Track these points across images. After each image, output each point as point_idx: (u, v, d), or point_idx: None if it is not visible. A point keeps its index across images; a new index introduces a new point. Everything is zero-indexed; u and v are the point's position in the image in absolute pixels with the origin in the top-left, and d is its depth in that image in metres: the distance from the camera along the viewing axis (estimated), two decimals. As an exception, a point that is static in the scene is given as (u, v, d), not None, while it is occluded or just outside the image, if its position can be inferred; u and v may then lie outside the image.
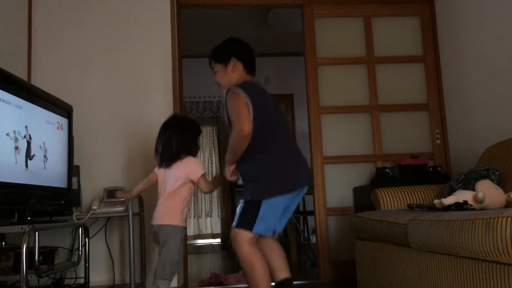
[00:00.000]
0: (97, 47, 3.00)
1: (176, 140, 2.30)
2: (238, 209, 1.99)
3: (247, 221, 1.94)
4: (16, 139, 1.99)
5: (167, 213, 2.25)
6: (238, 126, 1.91)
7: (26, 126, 2.08)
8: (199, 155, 6.71)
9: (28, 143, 2.09)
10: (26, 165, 2.06)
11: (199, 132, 2.44)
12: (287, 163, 2.01)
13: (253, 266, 1.93)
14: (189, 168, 2.29)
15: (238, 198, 5.51)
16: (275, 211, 1.98)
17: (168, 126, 2.37)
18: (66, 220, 2.46)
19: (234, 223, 1.97)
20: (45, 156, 2.25)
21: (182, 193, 2.29)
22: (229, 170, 2.07)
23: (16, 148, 1.99)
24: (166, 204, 2.27)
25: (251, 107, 1.94)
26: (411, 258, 1.91)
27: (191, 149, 2.35)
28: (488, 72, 2.88)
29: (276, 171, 1.99)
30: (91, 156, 2.87)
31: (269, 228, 2.01)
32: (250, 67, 2.15)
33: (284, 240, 4.47)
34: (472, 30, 3.03)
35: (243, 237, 1.94)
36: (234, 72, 2.11)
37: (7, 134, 1.94)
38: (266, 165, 1.98)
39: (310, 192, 3.63)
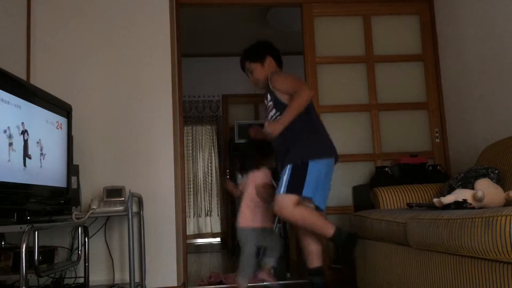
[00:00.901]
0: (96, 47, 2.99)
1: None
2: (285, 176, 2.15)
3: (296, 185, 2.12)
4: (15, 138, 1.99)
5: (240, 215, 2.51)
6: (304, 88, 2.22)
7: (25, 126, 2.08)
8: (198, 155, 6.72)
9: (27, 142, 2.09)
10: (25, 164, 2.06)
11: None
12: (326, 133, 2.34)
13: (303, 216, 2.13)
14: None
15: (238, 198, 5.50)
16: (319, 176, 2.18)
17: None
18: (66, 219, 2.46)
19: (281, 190, 2.12)
20: (44, 155, 2.24)
21: (250, 193, 2.50)
22: (279, 129, 2.23)
23: (16, 147, 1.99)
24: (241, 206, 2.55)
25: None
26: (410, 257, 1.91)
27: None
28: (487, 71, 2.88)
29: (320, 137, 2.30)
30: (90, 155, 2.87)
31: (315, 194, 2.17)
32: (280, 61, 2.49)
33: (284, 239, 4.47)
34: (472, 28, 3.03)
35: (288, 201, 2.10)
36: (270, 69, 2.41)
37: (6, 133, 1.93)
38: (311, 131, 2.27)
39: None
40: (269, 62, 2.43)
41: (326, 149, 2.28)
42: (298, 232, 2.44)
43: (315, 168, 2.16)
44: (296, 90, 2.23)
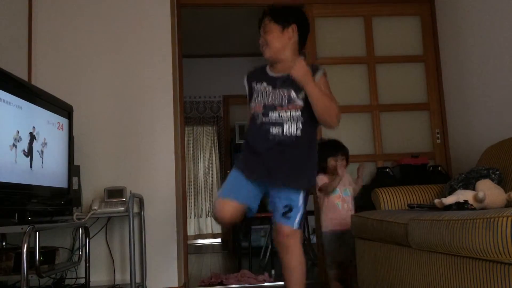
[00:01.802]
0: (97, 47, 2.99)
1: None
2: (299, 204, 1.85)
3: (303, 218, 1.89)
4: (16, 139, 1.99)
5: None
6: (337, 110, 1.83)
7: (26, 126, 2.08)
8: (199, 155, 6.72)
9: (29, 143, 2.09)
10: (29, 166, 2.07)
11: None
12: None
13: (305, 269, 1.89)
14: None
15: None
16: None
17: None
18: (67, 220, 2.46)
19: (294, 224, 1.83)
20: (45, 156, 2.25)
21: (320, 199, 2.83)
22: (305, 80, 1.77)
23: (16, 148, 1.99)
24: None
25: None
26: (411, 258, 1.91)
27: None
28: (488, 72, 2.88)
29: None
30: (91, 156, 2.87)
31: None
32: (302, 44, 1.96)
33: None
34: (473, 29, 3.03)
35: (300, 237, 1.88)
36: (289, 41, 1.89)
37: (7, 134, 1.94)
38: (315, 157, 1.95)
39: (311, 192, 3.63)
40: (293, 32, 1.89)
41: None
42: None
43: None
44: (333, 99, 1.86)
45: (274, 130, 1.85)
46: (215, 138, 6.52)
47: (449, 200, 1.95)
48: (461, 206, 1.89)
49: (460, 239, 1.48)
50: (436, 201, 2.02)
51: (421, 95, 3.49)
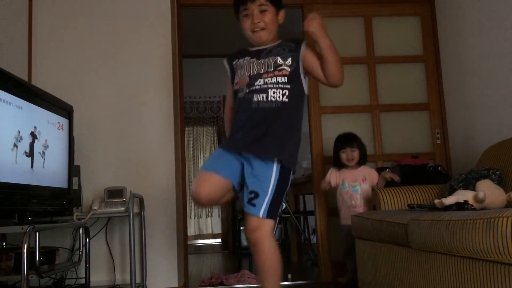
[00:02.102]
0: (97, 48, 2.99)
1: None
2: (269, 187, 1.63)
3: (278, 204, 1.64)
4: (17, 139, 1.99)
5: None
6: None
7: (27, 127, 2.09)
8: (199, 156, 6.71)
9: (29, 143, 2.10)
10: (30, 166, 2.07)
11: None
12: None
13: (278, 266, 1.67)
14: None
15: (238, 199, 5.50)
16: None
17: None
18: (67, 220, 2.46)
19: (260, 212, 1.61)
20: (45, 156, 2.25)
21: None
22: (320, 30, 1.77)
23: (17, 148, 1.99)
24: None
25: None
26: (411, 258, 1.91)
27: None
28: (488, 72, 2.88)
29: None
30: (91, 156, 2.87)
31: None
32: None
33: (284, 240, 4.47)
34: (473, 29, 3.03)
35: (270, 227, 1.64)
36: (278, 25, 1.88)
37: (8, 135, 1.94)
38: (299, 131, 1.80)
39: (311, 192, 3.64)
40: (282, 17, 1.90)
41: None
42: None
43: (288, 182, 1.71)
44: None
45: (258, 97, 1.74)
46: (215, 138, 6.52)
47: (449, 200, 1.95)
48: (461, 206, 1.89)
49: (460, 239, 1.48)
50: (436, 201, 2.02)
51: (421, 95, 3.49)
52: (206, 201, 1.71)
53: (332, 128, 3.37)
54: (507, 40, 2.68)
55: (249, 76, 1.79)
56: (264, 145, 1.68)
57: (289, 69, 1.78)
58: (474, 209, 1.88)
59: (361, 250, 2.49)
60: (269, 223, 1.64)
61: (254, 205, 1.62)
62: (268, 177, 1.65)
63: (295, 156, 1.75)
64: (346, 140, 2.95)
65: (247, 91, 1.77)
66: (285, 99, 1.73)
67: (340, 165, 2.95)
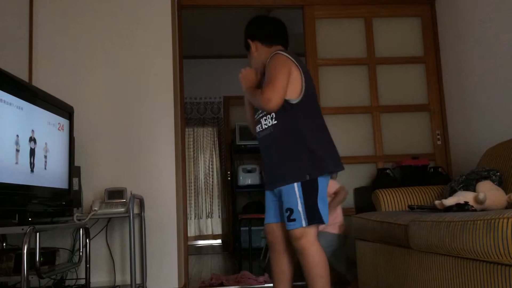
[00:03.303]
0: (98, 48, 3.00)
1: None
2: (298, 201, 1.72)
3: (314, 211, 1.71)
4: (17, 140, 1.99)
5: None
6: (267, 94, 1.74)
7: (27, 127, 2.09)
8: (199, 156, 6.71)
9: (30, 144, 2.10)
10: (30, 167, 2.07)
11: None
12: (332, 143, 1.91)
13: (326, 270, 1.73)
14: None
15: (238, 199, 5.50)
16: (325, 192, 1.77)
17: None
18: (67, 221, 2.46)
19: (302, 222, 1.70)
20: (46, 157, 2.25)
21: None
22: (247, 80, 2.00)
23: (17, 149, 1.99)
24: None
25: (303, 77, 1.82)
26: (412, 259, 1.91)
27: None
28: (489, 73, 2.88)
29: (329, 146, 1.87)
30: (92, 157, 2.87)
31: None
32: (269, 40, 2.00)
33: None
34: (473, 30, 3.03)
35: (313, 235, 1.72)
36: (256, 53, 2.05)
37: (9, 135, 1.94)
38: (319, 140, 1.84)
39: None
40: (256, 47, 2.05)
41: (338, 162, 1.89)
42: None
43: (325, 183, 1.79)
44: (263, 87, 1.79)
45: (258, 129, 1.94)
46: (215, 139, 6.52)
47: (450, 201, 1.95)
48: (462, 207, 1.89)
49: (460, 240, 1.48)
50: (437, 202, 2.02)
51: (421, 96, 3.49)
52: (284, 242, 1.90)
53: (332, 129, 3.35)
54: (507, 41, 2.68)
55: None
56: (273, 181, 1.85)
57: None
58: (475, 210, 1.88)
59: (361, 251, 2.49)
60: (313, 231, 1.74)
61: (294, 219, 1.74)
62: (294, 195, 1.76)
63: (309, 165, 1.77)
64: None
65: (258, 130, 1.97)
66: (274, 121, 1.84)
67: None
